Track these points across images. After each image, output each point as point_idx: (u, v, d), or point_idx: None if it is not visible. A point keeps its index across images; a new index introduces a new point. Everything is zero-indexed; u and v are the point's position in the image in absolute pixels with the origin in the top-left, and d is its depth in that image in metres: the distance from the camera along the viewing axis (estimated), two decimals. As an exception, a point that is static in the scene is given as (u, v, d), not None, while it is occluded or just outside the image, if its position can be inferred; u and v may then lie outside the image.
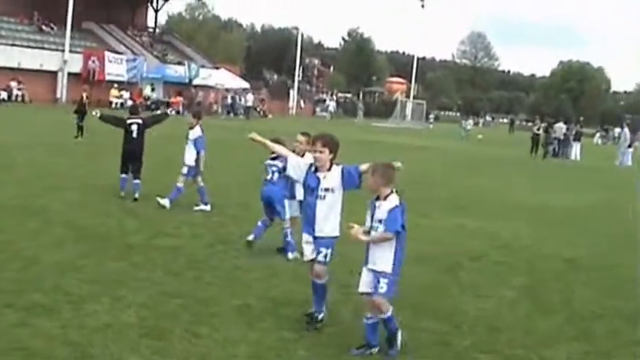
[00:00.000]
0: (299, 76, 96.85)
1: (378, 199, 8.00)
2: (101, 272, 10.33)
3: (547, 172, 35.91)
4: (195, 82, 72.80)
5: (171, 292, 9.60)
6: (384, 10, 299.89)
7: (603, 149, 62.62)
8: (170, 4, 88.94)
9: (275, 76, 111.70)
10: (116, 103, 61.45)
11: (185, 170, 15.91)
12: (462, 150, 47.89)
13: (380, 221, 7.90)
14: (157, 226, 13.87)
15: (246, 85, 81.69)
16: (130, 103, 52.81)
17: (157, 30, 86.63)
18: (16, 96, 58.01)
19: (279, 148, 9.82)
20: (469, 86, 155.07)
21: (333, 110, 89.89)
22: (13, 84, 57.96)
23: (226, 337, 8.15)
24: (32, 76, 58.91)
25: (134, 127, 16.61)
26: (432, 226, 16.75)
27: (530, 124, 79.49)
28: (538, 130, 49.11)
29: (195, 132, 15.97)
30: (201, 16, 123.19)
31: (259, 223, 12.47)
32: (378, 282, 7.89)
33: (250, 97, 72.02)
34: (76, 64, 62.76)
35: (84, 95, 30.88)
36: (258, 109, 77.06)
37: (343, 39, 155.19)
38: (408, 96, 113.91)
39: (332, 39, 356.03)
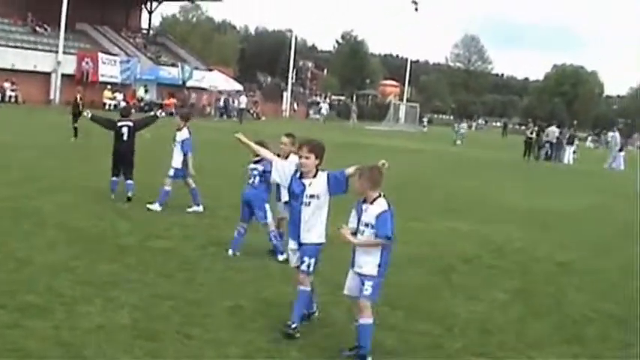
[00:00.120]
0: (292, 78, 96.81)
1: (364, 201, 7.97)
2: (94, 274, 10.34)
3: (540, 176, 35.98)
4: (189, 84, 72.76)
5: (164, 294, 9.62)
6: (378, 13, 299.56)
7: (596, 153, 62.59)
8: (164, 5, 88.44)
9: (269, 79, 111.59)
10: (110, 105, 61.35)
11: (172, 172, 15.88)
12: (455, 153, 47.95)
13: (367, 225, 7.89)
14: (150, 228, 13.88)
15: (239, 87, 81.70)
16: (123, 104, 52.72)
17: (151, 32, 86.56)
18: (10, 97, 57.98)
19: (264, 152, 9.69)
20: (463, 90, 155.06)
21: (325, 113, 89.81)
22: (7, 85, 57.93)
23: (218, 338, 8.18)
24: (26, 77, 58.88)
25: (125, 130, 16.62)
26: (425, 228, 16.81)
27: (523, 127, 79.65)
28: (531, 133, 49.24)
29: (183, 134, 15.90)
30: (194, 18, 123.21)
31: (235, 234, 12.44)
32: (363, 284, 7.87)
33: (243, 99, 71.91)
34: (69, 65, 62.73)
35: (78, 97, 30.84)
36: (252, 112, 77.06)
37: (337, 42, 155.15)
38: (401, 99, 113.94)
39: (326, 42, 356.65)
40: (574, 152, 52.85)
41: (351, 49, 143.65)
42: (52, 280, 9.83)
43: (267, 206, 12.37)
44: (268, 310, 9.28)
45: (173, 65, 74.21)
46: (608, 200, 26.83)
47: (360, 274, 7.94)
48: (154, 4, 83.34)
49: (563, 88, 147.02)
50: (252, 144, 9.66)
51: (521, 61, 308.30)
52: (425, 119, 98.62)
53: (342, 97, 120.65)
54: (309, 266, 8.48)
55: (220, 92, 74.74)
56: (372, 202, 7.90)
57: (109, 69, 66.21)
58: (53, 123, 37.09)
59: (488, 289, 11.68)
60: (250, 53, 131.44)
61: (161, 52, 78.46)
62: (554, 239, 17.07)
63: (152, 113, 19.84)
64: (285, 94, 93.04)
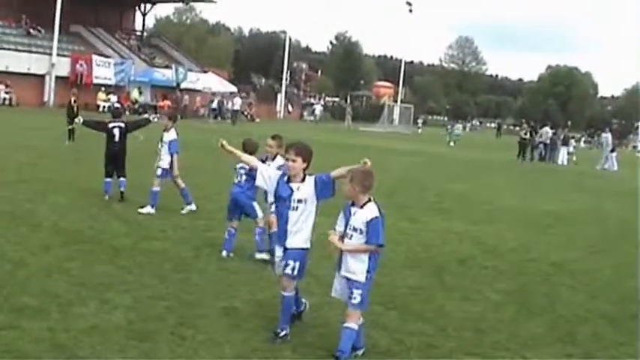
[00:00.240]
0: (287, 80, 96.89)
1: (353, 205, 7.87)
2: (89, 275, 10.36)
3: (534, 177, 36.03)
4: (183, 85, 72.67)
5: (158, 295, 9.65)
6: (372, 14, 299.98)
7: (589, 153, 62.69)
8: (158, 7, 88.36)
9: (263, 80, 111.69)
10: (104, 107, 61.28)
11: (159, 172, 15.88)
12: (449, 154, 47.99)
13: (355, 229, 7.78)
14: (144, 230, 13.90)
15: (233, 89, 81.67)
16: (117, 106, 52.59)
17: (145, 33, 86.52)
18: (4, 99, 57.89)
19: (247, 159, 9.55)
20: (457, 91, 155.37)
21: (319, 114, 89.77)
22: (1, 87, 57.84)
23: (212, 338, 8.20)
24: (20, 80, 58.77)
25: (116, 131, 16.73)
26: (419, 229, 16.83)
27: (517, 128, 79.76)
28: (525, 134, 49.33)
29: (171, 134, 15.90)
30: (188, 20, 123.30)
31: (225, 235, 12.45)
32: (352, 292, 7.80)
33: (238, 100, 71.87)
34: (63, 67, 62.70)
35: (72, 99, 30.84)
36: (246, 113, 77.07)
37: (331, 43, 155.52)
38: (395, 100, 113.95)
39: (320, 43, 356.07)
40: (569, 154, 52.94)
41: (345, 51, 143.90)
42: (47, 281, 9.86)
43: (254, 204, 12.38)
44: (263, 311, 9.30)
45: (167, 67, 74.11)
46: (601, 201, 26.87)
47: (348, 279, 7.86)
48: (148, 5, 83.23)
49: (557, 89, 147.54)
50: (237, 151, 9.51)
51: (516, 62, 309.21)
52: (420, 120, 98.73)
53: (337, 99, 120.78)
54: (293, 270, 8.31)
55: (214, 94, 74.70)
56: (362, 207, 7.78)
57: (103, 71, 66.20)
58: (47, 125, 37.05)
59: (481, 290, 11.70)
60: (244, 55, 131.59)
61: (155, 54, 78.42)
62: (547, 239, 17.11)
63: (145, 116, 19.92)
64: (279, 95, 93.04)
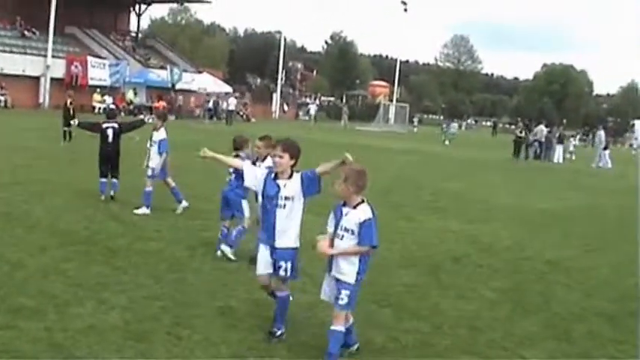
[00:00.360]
0: (282, 79, 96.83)
1: (344, 205, 7.74)
2: (85, 276, 10.39)
3: (529, 175, 36.06)
4: (178, 86, 72.65)
5: (154, 295, 9.68)
6: (367, 13, 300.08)
7: (584, 151, 62.70)
8: (152, 8, 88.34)
9: (258, 80, 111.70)
10: (99, 108, 61.16)
11: (149, 172, 15.89)
12: (444, 153, 48.02)
13: (347, 230, 7.64)
14: (139, 230, 13.93)
15: (228, 89, 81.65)
16: (113, 107, 52.53)
17: (140, 34, 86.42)
18: (-1, 101, 57.86)
19: (231, 162, 9.51)
20: (452, 89, 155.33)
21: (313, 113, 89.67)
22: (-5, 89, 57.81)
23: (208, 338, 8.23)
24: (14, 82, 58.66)
25: (109, 132, 16.81)
26: (414, 228, 16.87)
27: (512, 127, 79.84)
28: (520, 132, 49.40)
29: (160, 134, 15.90)
30: (183, 21, 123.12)
31: (219, 235, 12.45)
32: (340, 293, 7.68)
33: (233, 101, 71.75)
34: (58, 69, 62.57)
35: (68, 101, 30.82)
36: (241, 113, 77.00)
37: (326, 42, 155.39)
38: (391, 99, 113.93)
39: (315, 43, 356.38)
40: (570, 152, 53.00)
41: (341, 50, 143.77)
42: (43, 282, 9.89)
43: (243, 202, 12.34)
44: (259, 310, 9.31)
45: (162, 68, 74.07)
46: (597, 199, 26.91)
47: (338, 280, 7.74)
48: (143, 6, 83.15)
49: (552, 87, 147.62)
50: (218, 156, 9.10)
51: (511, 61, 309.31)
52: (415, 119, 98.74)
53: (332, 98, 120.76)
54: (286, 271, 8.26)
55: (209, 94, 74.67)
56: (354, 207, 7.66)
57: (98, 72, 66.09)
58: (43, 127, 37.01)
59: (477, 288, 11.74)
60: (239, 55, 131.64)
61: (150, 54, 78.33)
62: (543, 238, 17.15)
63: (140, 117, 19.97)
64: (274, 95, 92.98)
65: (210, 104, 71.67)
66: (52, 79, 61.32)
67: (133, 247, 12.54)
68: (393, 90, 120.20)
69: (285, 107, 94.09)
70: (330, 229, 7.85)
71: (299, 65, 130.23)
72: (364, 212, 7.62)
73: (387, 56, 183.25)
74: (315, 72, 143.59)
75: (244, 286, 10.52)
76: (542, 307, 11.03)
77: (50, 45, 61.57)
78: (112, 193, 16.75)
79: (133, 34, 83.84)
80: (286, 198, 8.17)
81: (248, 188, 10.14)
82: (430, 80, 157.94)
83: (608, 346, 9.43)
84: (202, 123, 62.78)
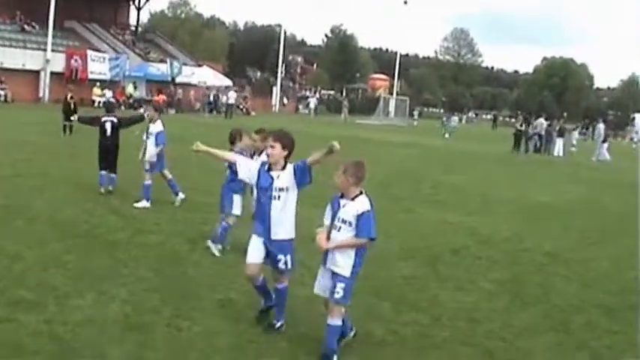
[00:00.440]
0: (282, 73, 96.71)
1: (342, 196, 7.68)
2: (85, 268, 10.42)
3: (529, 168, 36.04)
4: (178, 80, 72.48)
5: (154, 288, 9.72)
6: (367, 6, 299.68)
7: (584, 145, 62.61)
8: (152, 2, 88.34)
9: (258, 74, 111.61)
10: (99, 102, 61.12)
11: (147, 166, 15.89)
12: (444, 146, 48.00)
13: (344, 222, 7.60)
14: (139, 223, 13.96)
15: (228, 82, 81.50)
16: (113, 101, 52.54)
17: (140, 28, 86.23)
18: (-1, 95, 57.84)
19: (224, 155, 9.42)
20: (453, 83, 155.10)
21: (313, 107, 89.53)
22: (-5, 83, 57.77)
23: (208, 330, 8.27)
24: (14, 76, 58.59)
25: (108, 125, 16.84)
26: (414, 220, 16.92)
27: (513, 120, 79.80)
28: (521, 126, 49.38)
29: (157, 126, 15.87)
30: (183, 14, 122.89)
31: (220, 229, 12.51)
32: (335, 286, 7.64)
33: (232, 94, 71.63)
34: (58, 63, 62.46)
35: (68, 95, 30.84)
36: (241, 107, 76.91)
37: (326, 36, 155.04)
38: (391, 93, 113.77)
39: (315, 36, 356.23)
40: (573, 146, 52.96)
41: (341, 44, 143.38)
42: (43, 274, 9.94)
43: (235, 197, 12.26)
44: (258, 302, 9.31)
45: (162, 61, 73.85)
46: (597, 192, 26.90)
47: (333, 272, 7.69)
48: (142, 0, 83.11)
49: (552, 81, 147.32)
50: (213, 150, 8.98)
51: (512, 54, 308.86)
52: (415, 113, 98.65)
53: (332, 92, 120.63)
54: (286, 264, 8.31)
55: (208, 88, 74.58)
56: (353, 199, 7.61)
57: (98, 66, 65.99)
58: (43, 121, 37.01)
59: (475, 279, 11.78)
60: (239, 48, 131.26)
61: (150, 48, 78.18)
62: (542, 230, 17.18)
63: (140, 112, 19.99)
64: (274, 89, 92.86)
65: (211, 98, 71.60)
66: (52, 73, 61.21)
67: (133, 240, 12.57)
68: (393, 83, 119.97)
69: (285, 101, 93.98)
70: (327, 221, 7.81)
71: (299, 59, 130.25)
72: (362, 204, 7.58)
73: (387, 49, 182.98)
74: (315, 65, 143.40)
75: (244, 278, 10.53)
76: (541, 298, 11.07)
77: (50, 39, 61.46)
78: (110, 188, 16.79)
79: (133, 28, 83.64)
80: (280, 189, 8.15)
81: (245, 182, 10.10)
82: (430, 73, 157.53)
83: (605, 337, 9.47)
84: (202, 116, 62.73)
